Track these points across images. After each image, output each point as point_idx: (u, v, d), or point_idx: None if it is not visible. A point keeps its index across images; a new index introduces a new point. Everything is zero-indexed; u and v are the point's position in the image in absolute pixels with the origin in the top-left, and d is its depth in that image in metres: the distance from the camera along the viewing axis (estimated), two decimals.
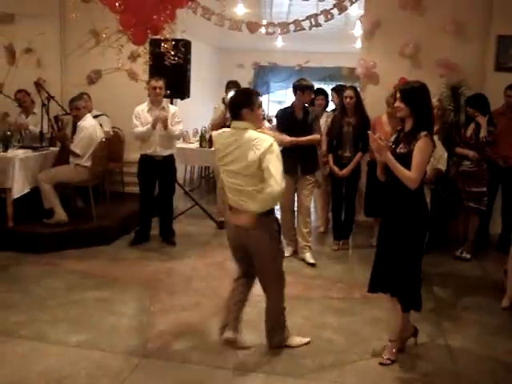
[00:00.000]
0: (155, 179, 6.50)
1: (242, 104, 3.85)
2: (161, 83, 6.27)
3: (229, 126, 6.95)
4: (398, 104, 3.81)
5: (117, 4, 4.46)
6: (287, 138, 5.85)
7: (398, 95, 3.83)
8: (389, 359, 3.99)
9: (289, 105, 6.31)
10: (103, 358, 3.94)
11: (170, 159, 6.51)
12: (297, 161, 5.96)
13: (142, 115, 6.33)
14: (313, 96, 6.44)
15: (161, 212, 6.70)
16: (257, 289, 5.35)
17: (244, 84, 15.39)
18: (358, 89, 7.01)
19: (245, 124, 3.79)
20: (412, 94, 3.77)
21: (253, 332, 4.33)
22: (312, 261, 6.14)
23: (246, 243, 3.88)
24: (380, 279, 4.01)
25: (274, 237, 3.92)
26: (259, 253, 3.87)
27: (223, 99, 7.16)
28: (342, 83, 9.02)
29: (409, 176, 3.67)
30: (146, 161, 6.43)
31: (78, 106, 6.49)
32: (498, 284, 5.41)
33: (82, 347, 4.07)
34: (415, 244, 3.87)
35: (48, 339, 4.17)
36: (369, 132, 4.01)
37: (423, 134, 3.68)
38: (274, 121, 14.81)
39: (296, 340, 4.21)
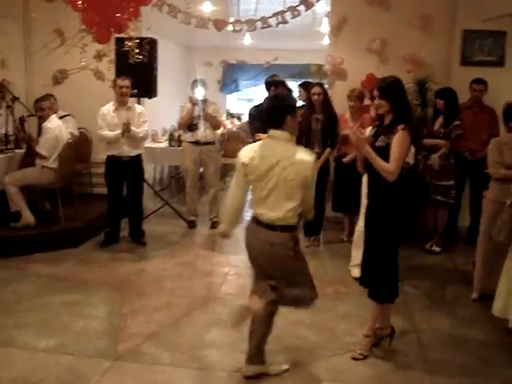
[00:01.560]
0: (123, 180, 6.44)
1: (286, 110, 3.56)
2: (127, 82, 6.21)
3: (196, 125, 6.99)
4: (378, 101, 3.85)
5: (79, 2, 4.39)
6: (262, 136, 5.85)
7: (376, 93, 3.87)
8: (361, 354, 4.00)
9: (262, 102, 6.30)
10: (73, 361, 3.88)
11: (137, 159, 6.45)
12: None
13: (108, 116, 6.26)
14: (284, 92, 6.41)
15: (130, 213, 6.64)
16: (228, 287, 5.39)
17: (213, 82, 15.44)
18: (326, 85, 7.02)
19: (285, 134, 3.54)
20: (389, 90, 3.84)
21: (224, 331, 4.31)
22: None
23: None
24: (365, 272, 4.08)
25: None
26: None
27: (190, 97, 7.11)
28: (310, 80, 9.02)
29: (387, 168, 3.70)
30: (113, 162, 6.36)
31: (42, 107, 6.39)
32: (468, 276, 5.46)
33: (51, 352, 4.00)
34: (390, 236, 3.90)
35: (17, 344, 4.09)
36: (351, 125, 4.05)
37: (400, 127, 3.71)
38: (244, 118, 14.84)
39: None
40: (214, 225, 7.33)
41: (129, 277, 5.54)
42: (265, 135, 5.75)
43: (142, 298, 5.02)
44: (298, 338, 4.31)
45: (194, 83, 7.13)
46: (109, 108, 6.30)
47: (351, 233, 6.64)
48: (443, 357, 4.09)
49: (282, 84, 6.02)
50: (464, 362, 4.03)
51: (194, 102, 7.04)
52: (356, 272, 5.46)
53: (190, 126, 7.07)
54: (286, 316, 4.63)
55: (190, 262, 6.01)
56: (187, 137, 7.21)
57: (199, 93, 7.01)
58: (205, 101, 7.08)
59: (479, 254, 5.10)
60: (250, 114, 6.20)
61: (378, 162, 3.72)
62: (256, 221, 3.57)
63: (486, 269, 5.00)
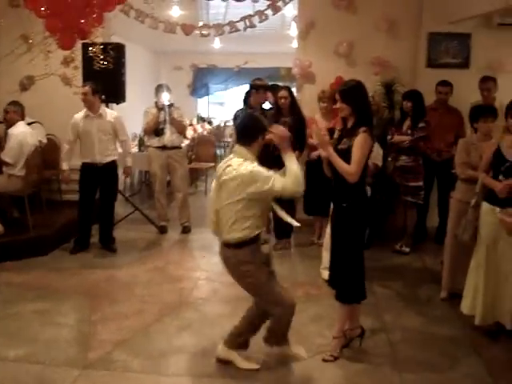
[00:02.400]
0: (96, 186, 6.40)
1: (259, 131, 3.67)
2: (85, 89, 6.16)
3: (162, 130, 6.99)
4: (339, 105, 3.90)
5: (42, 8, 4.35)
6: None
7: (337, 96, 3.91)
8: (332, 356, 4.03)
9: (244, 106, 6.35)
10: (43, 371, 3.85)
11: (111, 165, 6.41)
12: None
13: (79, 124, 6.24)
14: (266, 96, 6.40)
15: (101, 219, 6.59)
16: (199, 292, 5.39)
17: (183, 87, 15.43)
18: (294, 89, 7.06)
19: (248, 154, 3.62)
20: (351, 93, 3.89)
21: (195, 337, 4.31)
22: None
23: None
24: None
25: None
26: None
27: (156, 103, 7.10)
28: (278, 83, 9.04)
29: (348, 170, 3.75)
30: (87, 168, 6.31)
31: (7, 110, 6.36)
32: (437, 276, 5.51)
33: (21, 361, 3.96)
34: (355, 237, 3.94)
35: None
36: (313, 126, 4.08)
37: (362, 129, 3.76)
38: (215, 122, 14.83)
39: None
40: (185, 229, 7.35)
41: (99, 284, 5.50)
42: None
43: (112, 304, 4.99)
44: None
45: (159, 88, 7.13)
46: (80, 116, 6.26)
47: (322, 235, 6.70)
48: (413, 355, 4.14)
49: (262, 88, 6.03)
50: (433, 359, 4.08)
51: (160, 107, 7.03)
52: (326, 274, 5.47)
53: (156, 131, 7.05)
54: None
55: (160, 267, 5.99)
56: (153, 142, 7.17)
57: (165, 98, 7.01)
58: (170, 106, 7.08)
59: (447, 253, 5.17)
60: (235, 117, 6.19)
61: (340, 164, 3.78)
62: None
63: (453, 268, 5.06)
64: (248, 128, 3.72)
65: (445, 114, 6.62)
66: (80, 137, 6.28)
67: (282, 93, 6.33)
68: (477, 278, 4.38)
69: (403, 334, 4.49)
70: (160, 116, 7.02)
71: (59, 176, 7.76)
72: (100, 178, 6.34)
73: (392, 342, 4.35)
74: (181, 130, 7.24)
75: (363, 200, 3.95)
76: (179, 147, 7.29)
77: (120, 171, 6.77)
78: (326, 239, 5.56)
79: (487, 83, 6.37)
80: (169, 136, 7.08)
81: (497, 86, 6.39)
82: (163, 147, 7.10)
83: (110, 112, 6.52)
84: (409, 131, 6.27)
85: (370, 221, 4.11)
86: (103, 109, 6.40)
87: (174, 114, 7.08)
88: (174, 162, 7.19)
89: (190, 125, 11.98)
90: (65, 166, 6.35)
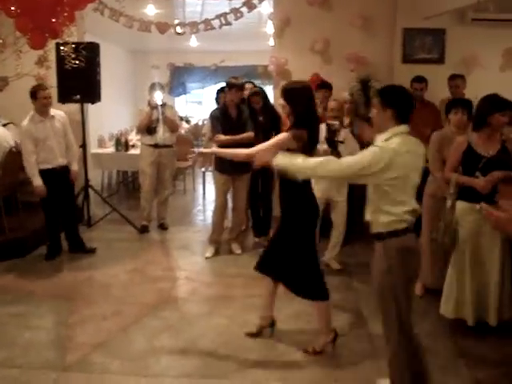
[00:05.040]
0: (56, 190, 6.14)
1: None
2: (49, 92, 5.99)
3: (155, 128, 7.02)
4: (282, 102, 4.03)
5: (12, 8, 4.29)
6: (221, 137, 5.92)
7: (281, 94, 4.00)
8: (314, 350, 4.08)
9: (222, 104, 6.34)
10: (21, 375, 3.81)
11: (67, 168, 6.25)
12: (232, 160, 6.01)
13: (35, 132, 5.94)
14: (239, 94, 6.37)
15: (65, 224, 6.43)
16: (178, 292, 5.36)
17: None
18: (271, 86, 7.07)
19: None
20: (292, 94, 3.94)
21: (174, 337, 4.30)
22: (239, 251, 6.40)
23: None
24: (269, 263, 4.15)
25: None
26: None
27: (149, 101, 7.07)
28: (254, 81, 9.02)
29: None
30: (46, 174, 6.03)
31: None
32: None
33: None
34: (303, 235, 3.99)
35: None
36: None
37: (292, 130, 3.84)
38: (193, 121, 14.79)
39: None
40: (162, 226, 7.45)
41: (77, 286, 5.44)
42: (224, 137, 5.82)
43: (90, 306, 4.94)
44: (248, 339, 4.29)
45: (152, 87, 7.13)
46: (31, 123, 5.99)
47: None
48: None
49: (236, 86, 6.02)
50: None
51: (153, 106, 7.01)
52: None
53: (148, 129, 7.05)
54: (234, 318, 4.67)
55: (139, 268, 5.94)
56: (146, 140, 7.18)
57: (158, 97, 7.00)
58: (163, 104, 7.08)
59: (422, 250, 5.16)
60: (211, 115, 6.16)
61: None
62: None
63: (429, 264, 5.06)
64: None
65: (421, 109, 6.59)
66: (37, 143, 5.97)
67: (254, 98, 6.40)
68: (461, 283, 4.32)
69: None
70: (153, 114, 7.00)
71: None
72: (58, 182, 6.11)
73: (372, 337, 4.33)
74: (173, 129, 7.26)
75: (306, 198, 4.00)
76: (171, 146, 7.29)
77: (93, 171, 6.67)
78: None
79: (455, 80, 6.41)
80: (161, 134, 7.08)
81: (465, 83, 6.41)
82: (155, 145, 7.11)
83: (59, 113, 6.26)
84: None
85: (316, 218, 4.13)
86: (53, 110, 6.18)
87: (167, 112, 7.07)
88: (165, 160, 7.23)
89: None
90: (38, 180, 5.96)
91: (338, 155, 5.38)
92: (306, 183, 3.91)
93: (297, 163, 3.23)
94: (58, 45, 6.16)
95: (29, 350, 4.14)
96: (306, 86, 4.02)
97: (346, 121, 6.19)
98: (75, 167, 6.28)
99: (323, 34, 7.30)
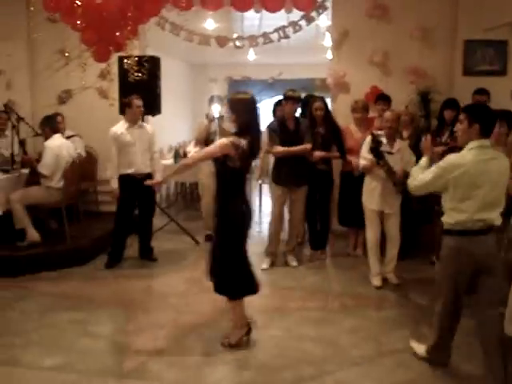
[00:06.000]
0: (135, 198, 6.43)
1: None
2: (141, 102, 6.23)
3: (212, 141, 7.12)
4: (226, 111, 4.29)
5: (78, 22, 4.43)
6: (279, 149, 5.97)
7: (227, 103, 4.30)
8: (230, 343, 4.32)
9: (280, 116, 6.38)
10: (78, 380, 3.88)
11: (150, 177, 6.43)
12: (289, 171, 6.01)
13: (121, 135, 6.21)
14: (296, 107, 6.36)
15: (141, 231, 6.64)
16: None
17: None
18: (329, 99, 7.04)
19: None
20: (238, 104, 4.20)
21: (230, 348, 4.31)
22: (295, 264, 6.34)
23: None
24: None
25: None
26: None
27: (207, 114, 7.16)
28: (313, 94, 9.02)
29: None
30: (126, 180, 6.32)
31: (41, 127, 6.51)
32: None
33: (56, 370, 3.99)
34: (227, 237, 4.24)
35: (22, 363, 4.09)
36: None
37: (232, 136, 4.09)
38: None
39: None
40: None
41: (135, 294, 5.53)
42: (281, 148, 5.91)
43: (148, 314, 5.01)
44: (303, 352, 4.28)
45: (211, 100, 7.23)
46: (120, 128, 6.26)
47: (357, 246, 6.64)
48: (456, 366, 4.05)
49: (291, 99, 6.04)
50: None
51: (210, 119, 7.10)
52: (376, 280, 5.66)
53: (206, 141, 7.13)
54: (290, 330, 4.64)
55: (196, 278, 5.97)
56: None
57: (215, 109, 7.08)
58: (221, 117, 7.15)
59: None
60: (269, 127, 6.20)
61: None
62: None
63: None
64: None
65: None
66: (121, 148, 6.24)
67: (317, 104, 6.33)
68: None
69: None
70: (211, 127, 7.09)
71: (96, 188, 7.87)
72: (139, 190, 6.34)
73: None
74: None
75: (231, 201, 4.26)
76: None
77: None
78: (372, 243, 5.56)
79: None
80: None
81: None
82: None
83: (147, 125, 6.58)
84: (448, 140, 6.17)
85: (243, 221, 4.31)
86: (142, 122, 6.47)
87: (225, 125, 7.14)
88: None
89: None
90: (114, 183, 6.27)
91: (385, 165, 5.34)
92: (239, 188, 4.25)
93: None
94: (120, 58, 6.32)
95: (87, 355, 4.22)
96: (251, 98, 4.24)
97: (406, 133, 6.13)
98: (159, 177, 6.42)
99: (382, 46, 7.25)
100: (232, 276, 4.25)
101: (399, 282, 5.71)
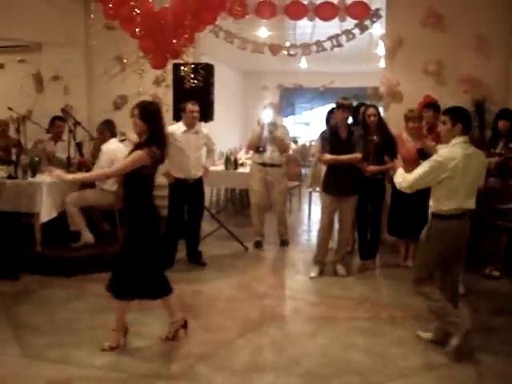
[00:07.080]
0: (185, 202, 6.55)
1: None
2: (197, 107, 6.32)
3: (263, 147, 7.19)
4: (135, 120, 4.23)
5: (136, 29, 4.54)
6: (327, 157, 5.99)
7: (135, 111, 4.27)
8: (110, 346, 4.35)
9: (333, 124, 6.35)
10: (127, 380, 3.96)
11: (200, 182, 6.56)
12: (338, 180, 6.00)
13: (175, 135, 6.28)
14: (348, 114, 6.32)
15: (189, 235, 6.74)
16: (282, 310, 5.36)
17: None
18: (381, 108, 6.99)
19: None
20: (149, 112, 4.27)
21: (278, 354, 4.30)
22: (344, 273, 6.31)
23: None
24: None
25: None
26: None
27: (258, 120, 7.24)
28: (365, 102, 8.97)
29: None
30: (178, 184, 6.45)
31: (97, 130, 6.76)
32: None
33: (106, 369, 4.08)
34: (138, 242, 4.40)
35: (73, 362, 4.19)
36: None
37: (144, 148, 4.14)
38: (300, 142, 14.83)
39: None
40: (283, 243, 7.64)
41: (184, 297, 5.57)
42: (330, 156, 5.90)
43: (196, 318, 5.05)
44: (350, 362, 4.25)
45: (265, 106, 7.30)
46: (178, 129, 6.39)
47: (407, 257, 6.55)
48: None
49: (342, 107, 6.02)
50: None
51: (261, 125, 7.17)
52: None
53: (257, 148, 7.20)
54: (338, 339, 4.62)
55: (245, 284, 6.03)
56: (255, 158, 7.39)
57: (265, 115, 7.14)
58: (273, 124, 7.20)
59: None
60: (321, 135, 6.21)
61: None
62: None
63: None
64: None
65: None
66: (175, 151, 6.27)
67: (371, 111, 6.30)
68: None
69: (494, 360, 4.30)
70: (262, 134, 7.15)
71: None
72: (189, 195, 6.46)
73: (480, 368, 4.16)
74: (283, 149, 7.33)
75: (144, 207, 4.39)
76: (279, 165, 7.38)
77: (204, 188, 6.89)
78: None
79: None
80: (269, 154, 7.24)
81: None
82: (263, 164, 7.29)
83: (203, 130, 6.68)
84: (502, 151, 6.06)
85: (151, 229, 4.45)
86: (199, 125, 6.59)
87: (277, 132, 7.19)
88: (272, 178, 7.35)
89: None
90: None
91: None
92: (149, 194, 4.38)
93: None
94: (175, 65, 6.43)
95: (136, 356, 4.30)
96: (159, 107, 4.45)
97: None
98: (208, 165, 6.72)
99: (436, 55, 7.18)
100: (125, 277, 4.35)
101: (465, 292, 5.64)
